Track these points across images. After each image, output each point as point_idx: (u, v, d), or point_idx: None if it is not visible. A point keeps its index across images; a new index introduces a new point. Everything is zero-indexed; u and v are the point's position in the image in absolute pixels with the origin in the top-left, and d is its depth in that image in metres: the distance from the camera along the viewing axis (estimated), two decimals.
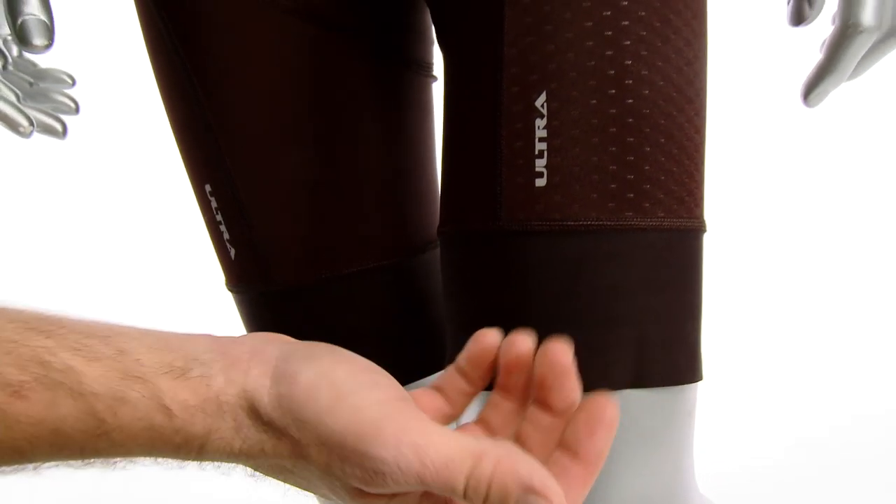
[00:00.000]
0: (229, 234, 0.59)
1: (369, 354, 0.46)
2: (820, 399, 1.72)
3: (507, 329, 0.42)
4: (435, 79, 0.64)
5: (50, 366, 0.32)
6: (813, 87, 0.56)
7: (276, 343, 0.37)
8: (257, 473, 0.37)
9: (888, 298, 2.07)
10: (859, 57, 0.55)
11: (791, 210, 2.19)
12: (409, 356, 0.61)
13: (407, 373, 0.59)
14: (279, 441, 0.34)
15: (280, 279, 0.59)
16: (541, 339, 0.45)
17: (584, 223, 0.46)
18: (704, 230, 0.50)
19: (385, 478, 0.33)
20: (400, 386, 0.37)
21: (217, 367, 0.34)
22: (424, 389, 0.41)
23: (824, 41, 0.55)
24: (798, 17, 0.57)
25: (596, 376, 0.45)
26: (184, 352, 0.34)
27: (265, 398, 0.34)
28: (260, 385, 0.34)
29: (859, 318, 1.98)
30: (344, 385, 0.35)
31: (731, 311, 1.72)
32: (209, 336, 0.36)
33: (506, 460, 0.33)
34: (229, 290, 0.63)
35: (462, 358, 0.40)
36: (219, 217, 0.59)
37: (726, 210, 1.33)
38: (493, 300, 0.48)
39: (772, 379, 1.80)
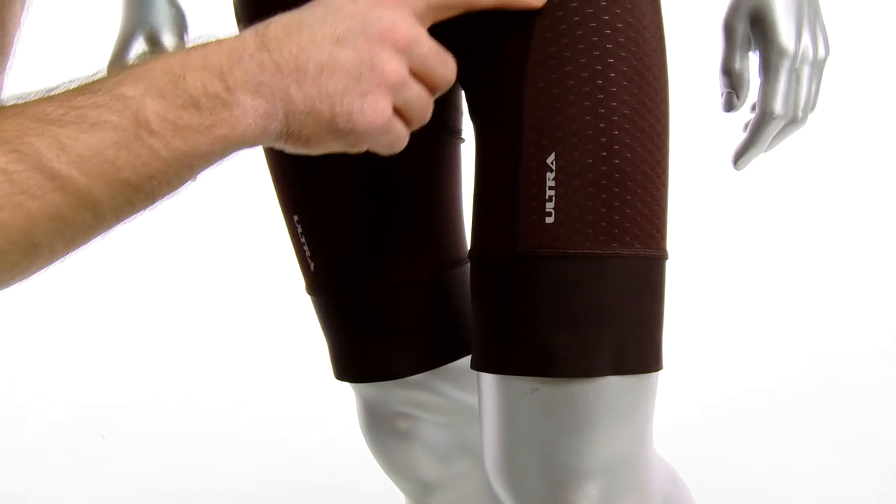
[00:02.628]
0: (310, 252, 0.76)
1: (413, 343, 0.63)
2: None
3: (519, 324, 0.60)
4: (463, 140, 0.81)
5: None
6: (739, 157, 0.74)
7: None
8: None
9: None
10: (771, 136, 0.72)
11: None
12: (443, 345, 0.79)
13: (441, 357, 0.78)
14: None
15: (347, 288, 0.76)
16: (541, 338, 0.62)
17: (581, 251, 0.61)
18: (667, 258, 0.66)
19: None
20: None
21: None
22: None
23: (747, 123, 0.73)
24: (729, 106, 0.74)
25: (586, 364, 0.61)
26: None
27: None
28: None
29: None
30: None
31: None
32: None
33: None
34: (308, 293, 0.80)
35: None
36: (303, 240, 0.75)
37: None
38: (511, 305, 0.63)
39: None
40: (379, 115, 0.50)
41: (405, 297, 0.76)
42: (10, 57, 0.78)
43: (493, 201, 0.65)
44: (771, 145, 0.74)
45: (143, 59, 0.64)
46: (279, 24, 0.48)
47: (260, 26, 0.49)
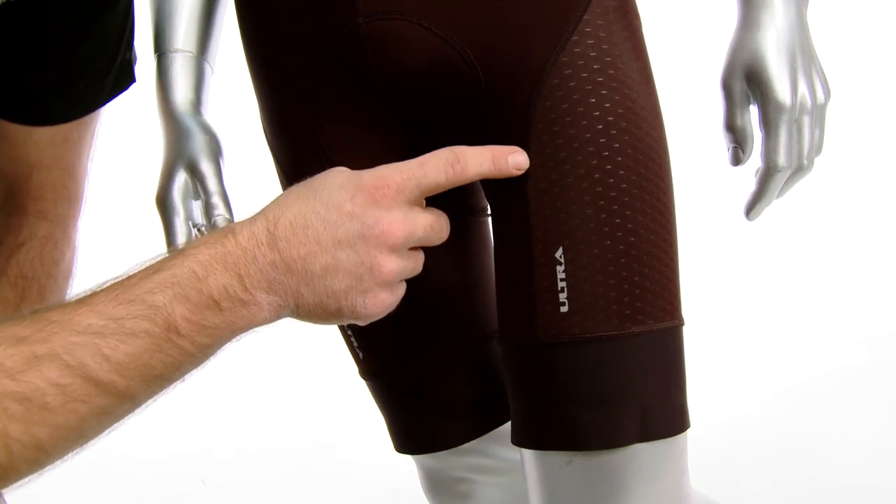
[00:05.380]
0: (357, 343, 0.83)
1: (462, 414, 0.78)
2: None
3: (549, 405, 0.66)
4: (489, 214, 0.85)
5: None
6: (751, 209, 0.77)
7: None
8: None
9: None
10: (780, 187, 0.75)
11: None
12: (490, 412, 0.84)
13: (490, 423, 0.84)
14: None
15: (393, 372, 0.83)
16: (570, 416, 0.67)
17: (596, 335, 0.67)
18: (682, 324, 0.71)
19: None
20: None
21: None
22: None
23: (756, 174, 0.76)
24: (736, 160, 0.77)
25: (612, 436, 0.67)
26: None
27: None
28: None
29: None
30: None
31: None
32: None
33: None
34: (362, 377, 0.87)
35: None
36: (349, 332, 0.83)
37: None
38: (539, 388, 0.69)
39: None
40: (379, 307, 0.57)
41: (448, 375, 0.83)
42: (82, 202, 0.88)
43: (512, 292, 0.71)
44: (781, 193, 0.78)
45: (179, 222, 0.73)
46: (287, 220, 0.55)
47: (270, 216, 0.55)
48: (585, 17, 0.68)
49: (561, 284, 0.67)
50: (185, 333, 0.50)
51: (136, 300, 0.49)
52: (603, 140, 0.67)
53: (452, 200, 0.80)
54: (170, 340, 0.49)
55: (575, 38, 0.68)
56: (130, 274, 0.51)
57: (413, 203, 0.59)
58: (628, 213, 0.67)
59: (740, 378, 2.29)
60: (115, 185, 2.18)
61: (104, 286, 0.51)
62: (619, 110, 0.68)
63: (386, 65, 0.71)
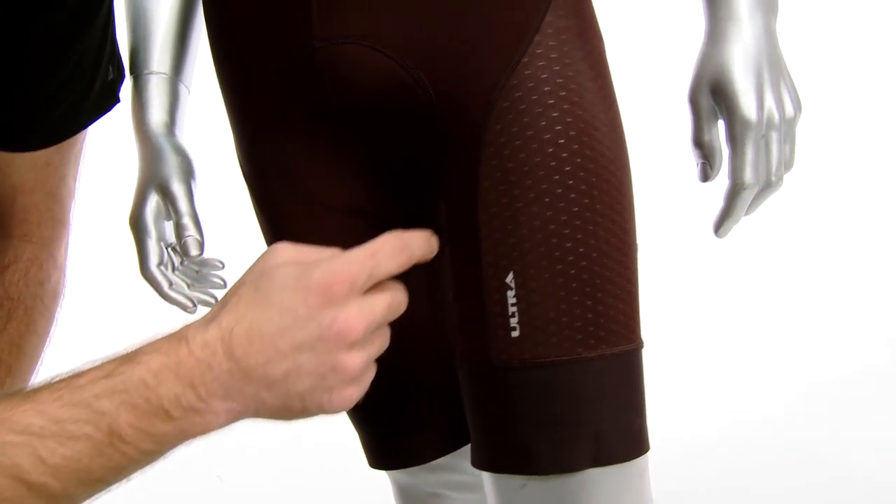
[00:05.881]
0: None
1: (434, 431, 0.82)
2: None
3: (503, 430, 0.66)
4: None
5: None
6: (719, 226, 0.76)
7: None
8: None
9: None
10: (747, 204, 0.74)
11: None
12: (461, 429, 0.80)
13: (460, 440, 0.84)
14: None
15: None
16: (523, 440, 0.67)
17: (548, 360, 0.66)
18: (640, 347, 0.70)
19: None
20: None
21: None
22: None
23: (724, 192, 0.75)
24: (704, 176, 0.76)
25: (566, 461, 0.66)
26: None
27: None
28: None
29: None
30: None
31: None
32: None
33: None
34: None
35: None
36: None
37: None
38: (494, 412, 0.69)
39: None
40: (346, 401, 0.55)
41: (421, 394, 0.84)
42: (68, 224, 0.90)
43: (466, 315, 0.71)
44: (749, 210, 0.76)
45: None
46: (241, 329, 0.51)
47: (223, 324, 0.52)
48: (536, 38, 0.68)
49: (512, 309, 0.67)
50: (129, 440, 0.49)
51: (80, 403, 0.48)
52: (554, 163, 0.67)
53: (418, 224, 0.81)
54: (112, 446, 0.48)
55: (525, 59, 0.67)
56: (80, 372, 0.50)
57: (364, 288, 0.56)
58: (580, 236, 0.67)
59: (760, 380, 2.26)
60: (105, 202, 2.17)
61: (52, 381, 0.50)
62: (572, 132, 0.67)
63: (342, 89, 0.72)
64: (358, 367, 0.55)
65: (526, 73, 0.67)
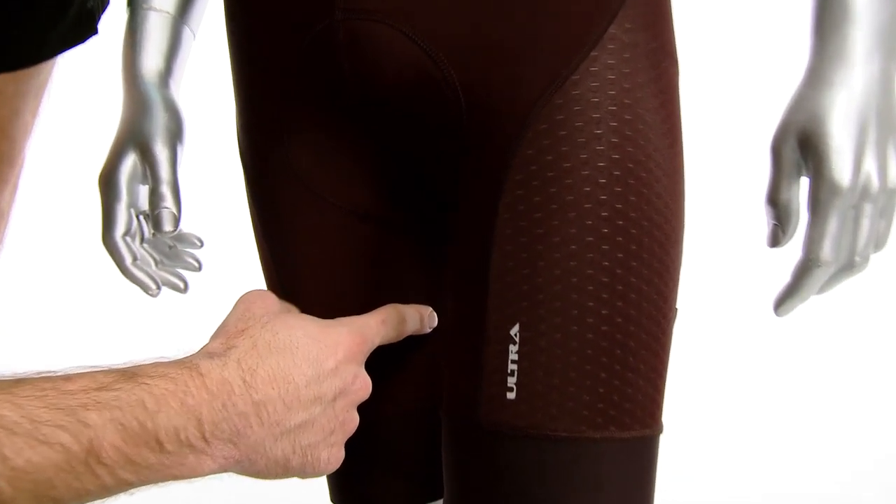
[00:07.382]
0: None
1: (404, 480, 0.73)
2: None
3: (479, 493, 0.57)
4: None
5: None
6: (781, 304, 0.64)
7: None
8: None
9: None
10: (820, 284, 0.62)
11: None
12: (433, 482, 0.72)
13: (430, 493, 0.74)
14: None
15: None
16: None
17: (543, 433, 0.55)
18: (658, 434, 0.58)
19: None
20: None
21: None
22: None
23: (795, 265, 0.62)
24: (774, 241, 0.64)
25: None
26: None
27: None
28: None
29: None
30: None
31: None
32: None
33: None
34: None
35: None
36: None
37: None
38: (473, 476, 0.59)
39: None
40: (335, 463, 0.55)
41: (391, 432, 0.72)
42: (19, 166, 0.79)
43: (460, 361, 0.61)
44: (822, 290, 0.64)
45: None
46: (265, 373, 0.50)
47: (244, 365, 0.49)
48: (594, 53, 0.56)
49: (511, 367, 0.56)
50: (107, 463, 0.42)
51: (65, 409, 0.42)
52: (588, 205, 0.55)
53: (426, 230, 0.71)
54: (86, 464, 0.42)
55: (575, 77, 0.56)
56: (69, 376, 0.44)
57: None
58: (605, 295, 0.55)
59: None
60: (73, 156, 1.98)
61: (38, 376, 0.44)
62: (617, 172, 0.56)
63: (361, 74, 0.60)
64: (355, 426, 0.57)
65: (574, 92, 0.56)
